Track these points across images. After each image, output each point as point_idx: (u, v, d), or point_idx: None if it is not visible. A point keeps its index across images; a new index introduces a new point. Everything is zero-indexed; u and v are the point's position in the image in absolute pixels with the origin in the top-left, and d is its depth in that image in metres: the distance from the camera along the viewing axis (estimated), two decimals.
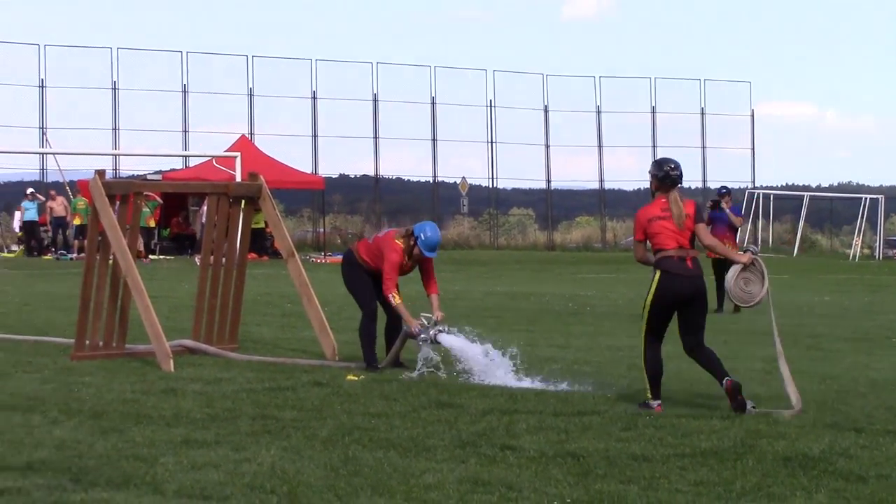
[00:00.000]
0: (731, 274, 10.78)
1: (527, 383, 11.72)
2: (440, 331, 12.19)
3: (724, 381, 10.28)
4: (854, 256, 50.84)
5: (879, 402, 10.94)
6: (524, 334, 15.81)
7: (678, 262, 10.38)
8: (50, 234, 43.51)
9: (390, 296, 12.36)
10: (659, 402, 10.43)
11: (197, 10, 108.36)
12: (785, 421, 9.89)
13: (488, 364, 11.95)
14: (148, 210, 38.93)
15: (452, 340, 12.17)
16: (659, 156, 60.16)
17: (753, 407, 10.33)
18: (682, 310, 10.45)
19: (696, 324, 10.49)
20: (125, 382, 11.73)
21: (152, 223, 41.03)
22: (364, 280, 12.79)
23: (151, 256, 39.06)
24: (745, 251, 10.90)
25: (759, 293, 10.74)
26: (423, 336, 12.19)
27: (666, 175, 10.57)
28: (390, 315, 12.77)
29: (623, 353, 14.09)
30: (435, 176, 56.76)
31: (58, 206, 42.48)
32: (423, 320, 12.29)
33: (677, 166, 10.64)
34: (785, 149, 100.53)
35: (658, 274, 10.42)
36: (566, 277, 32.79)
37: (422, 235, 12.42)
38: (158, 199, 39.95)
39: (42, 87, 50.34)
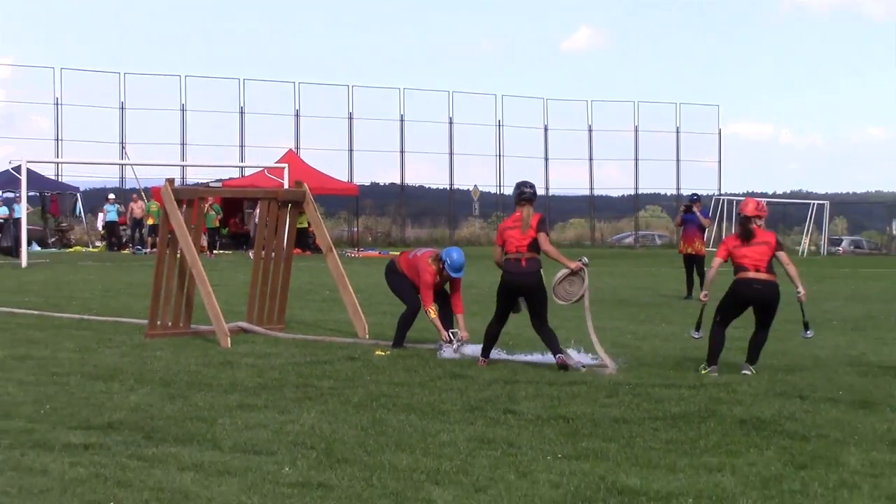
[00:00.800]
0: (559, 276, 11.33)
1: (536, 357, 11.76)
2: (461, 344, 12.21)
3: (557, 357, 10.97)
4: (803, 252, 50.50)
5: (821, 375, 10.96)
6: (525, 318, 15.80)
7: (514, 262, 11.12)
8: (129, 232, 43.60)
9: (427, 310, 12.39)
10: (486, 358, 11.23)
11: (253, 42, 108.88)
12: (608, 376, 10.54)
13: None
14: (214, 213, 39.04)
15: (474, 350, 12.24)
16: (641, 168, 60.43)
17: (582, 366, 11.00)
18: (527, 299, 11.17)
19: (535, 312, 11.16)
20: (190, 356, 11.78)
21: (217, 224, 41.05)
22: (406, 283, 12.81)
23: (214, 252, 39.04)
24: (578, 260, 11.23)
25: (578, 292, 11.30)
26: (449, 347, 12.17)
27: (521, 193, 11.28)
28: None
29: (607, 332, 14.06)
30: (451, 184, 56.70)
31: (138, 208, 42.58)
32: (451, 335, 12.29)
33: (531, 186, 11.35)
34: (746, 161, 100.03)
35: (502, 273, 11.16)
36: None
37: (448, 260, 12.46)
38: (219, 205, 39.93)
39: (122, 108, 50.44)
